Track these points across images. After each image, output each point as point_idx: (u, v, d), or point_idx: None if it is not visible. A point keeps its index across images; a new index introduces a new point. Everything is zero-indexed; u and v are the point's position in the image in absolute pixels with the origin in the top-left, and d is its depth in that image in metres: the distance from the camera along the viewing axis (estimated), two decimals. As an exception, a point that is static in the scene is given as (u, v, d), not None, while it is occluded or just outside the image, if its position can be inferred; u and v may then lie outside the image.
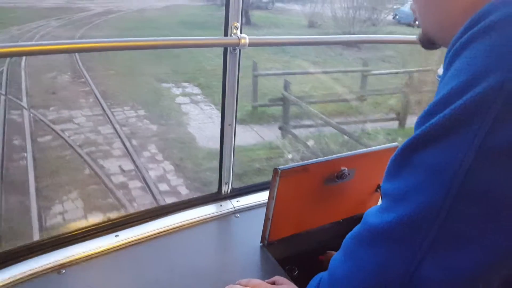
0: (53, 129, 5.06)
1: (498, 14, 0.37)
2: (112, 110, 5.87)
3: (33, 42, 0.80)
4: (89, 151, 4.57)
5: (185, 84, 7.49)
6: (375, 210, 0.46)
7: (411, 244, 0.39)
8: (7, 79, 6.87)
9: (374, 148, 0.98)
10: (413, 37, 0.56)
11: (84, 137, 4.95)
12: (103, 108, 5.91)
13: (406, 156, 0.41)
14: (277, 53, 8.85)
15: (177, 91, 7.13)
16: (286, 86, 5.85)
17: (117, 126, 5.30)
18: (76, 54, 7.56)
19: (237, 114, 1.03)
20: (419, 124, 0.41)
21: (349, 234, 0.49)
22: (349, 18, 10.57)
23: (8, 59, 7.49)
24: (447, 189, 0.36)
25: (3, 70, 7.26)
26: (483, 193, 0.35)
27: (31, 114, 5.50)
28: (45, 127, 5.14)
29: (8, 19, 10.77)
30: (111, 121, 5.46)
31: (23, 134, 4.92)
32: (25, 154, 4.37)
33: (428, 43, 0.52)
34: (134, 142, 4.95)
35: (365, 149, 0.98)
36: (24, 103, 5.93)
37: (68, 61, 7.97)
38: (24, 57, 7.55)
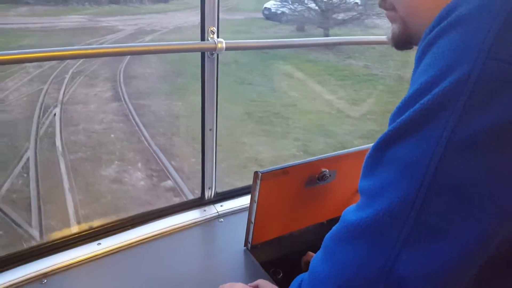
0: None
1: (463, 9, 0.38)
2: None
3: (25, 50, 0.79)
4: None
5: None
6: (353, 208, 0.46)
7: (387, 238, 0.39)
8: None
9: (354, 148, 0.99)
10: (384, 38, 0.56)
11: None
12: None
13: (379, 153, 0.42)
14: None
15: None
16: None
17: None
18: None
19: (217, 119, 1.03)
20: (391, 120, 0.41)
21: (329, 233, 0.49)
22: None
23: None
24: (419, 183, 0.37)
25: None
26: (455, 185, 0.36)
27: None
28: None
29: (18, 48, 9.31)
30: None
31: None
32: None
33: (406, 41, 0.52)
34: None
35: (345, 150, 0.98)
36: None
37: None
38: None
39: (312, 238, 1.03)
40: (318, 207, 1.02)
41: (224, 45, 0.87)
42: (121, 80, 6.91)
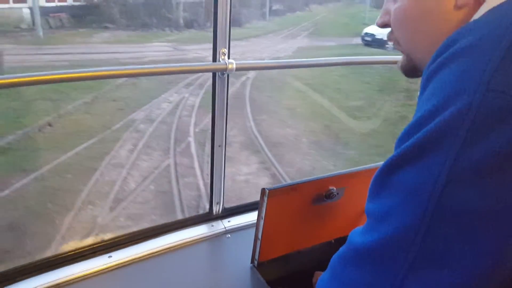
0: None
1: (464, 41, 0.40)
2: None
3: (21, 74, 0.81)
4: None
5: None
6: (359, 230, 0.47)
7: (393, 263, 0.40)
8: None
9: (363, 167, 0.99)
10: (394, 59, 0.58)
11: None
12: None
13: (385, 177, 0.43)
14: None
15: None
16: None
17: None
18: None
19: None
20: (397, 145, 0.43)
21: (336, 254, 0.50)
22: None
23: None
24: (423, 210, 0.38)
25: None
26: (458, 212, 0.36)
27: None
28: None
29: (77, 93, 6.84)
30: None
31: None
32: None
33: (413, 70, 0.55)
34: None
35: (354, 168, 0.99)
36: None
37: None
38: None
39: (320, 257, 1.02)
40: (326, 225, 1.02)
41: (234, 65, 0.90)
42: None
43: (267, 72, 8.80)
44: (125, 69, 0.92)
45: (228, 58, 0.92)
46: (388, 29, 0.55)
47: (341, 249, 0.49)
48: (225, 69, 0.91)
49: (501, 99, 0.35)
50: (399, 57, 0.56)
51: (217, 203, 1.16)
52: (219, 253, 1.08)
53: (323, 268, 0.54)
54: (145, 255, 1.03)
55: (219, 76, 0.95)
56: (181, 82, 7.93)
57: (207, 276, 0.98)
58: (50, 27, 11.86)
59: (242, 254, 1.01)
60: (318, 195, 0.94)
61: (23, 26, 11.29)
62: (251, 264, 0.99)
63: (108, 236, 1.06)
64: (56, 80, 0.81)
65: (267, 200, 0.87)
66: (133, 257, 1.01)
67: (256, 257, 0.96)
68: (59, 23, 12.11)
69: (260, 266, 0.98)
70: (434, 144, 0.38)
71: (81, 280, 0.94)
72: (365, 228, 0.45)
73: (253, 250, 0.96)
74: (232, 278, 0.96)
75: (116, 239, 1.05)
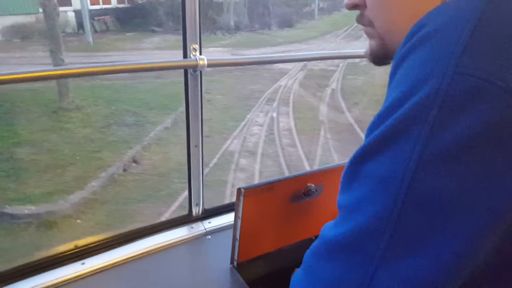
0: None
1: (431, 25, 0.39)
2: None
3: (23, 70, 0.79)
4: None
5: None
6: (331, 224, 0.46)
7: (365, 254, 0.39)
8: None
9: (340, 163, 0.98)
10: (362, 52, 0.56)
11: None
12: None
13: (355, 168, 0.42)
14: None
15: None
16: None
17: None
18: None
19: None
20: (367, 135, 0.42)
21: (308, 249, 0.49)
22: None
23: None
24: (394, 198, 0.37)
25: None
26: (429, 198, 0.36)
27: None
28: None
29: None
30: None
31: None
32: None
33: (384, 57, 0.53)
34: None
35: (331, 165, 0.97)
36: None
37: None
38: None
39: (301, 255, 0.99)
40: (306, 222, 1.00)
41: (206, 62, 0.87)
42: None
43: (352, 81, 7.94)
44: (96, 67, 0.88)
45: (200, 54, 0.89)
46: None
47: (313, 244, 0.48)
48: (197, 66, 0.88)
49: (469, 81, 0.34)
50: (360, 51, 0.53)
51: (196, 205, 1.13)
52: (199, 255, 1.05)
53: None
54: (121, 261, 0.99)
55: (191, 74, 0.92)
56: (260, 97, 6.88)
57: (186, 280, 0.95)
58: (95, 31, 11.05)
59: (223, 255, 0.99)
60: (296, 192, 0.92)
61: (68, 30, 10.66)
62: (231, 265, 0.97)
63: (82, 242, 1.02)
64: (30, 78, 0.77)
65: (244, 199, 0.85)
66: (108, 263, 0.98)
67: (235, 257, 0.94)
68: (104, 26, 11.37)
69: (240, 266, 0.96)
70: (402, 131, 0.37)
71: None
72: (337, 221, 0.44)
73: (232, 251, 0.94)
74: (212, 280, 0.94)
75: (89, 245, 1.01)
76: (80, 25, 10.73)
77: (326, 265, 0.43)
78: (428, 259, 0.36)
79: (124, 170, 4.30)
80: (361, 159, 0.41)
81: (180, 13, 0.84)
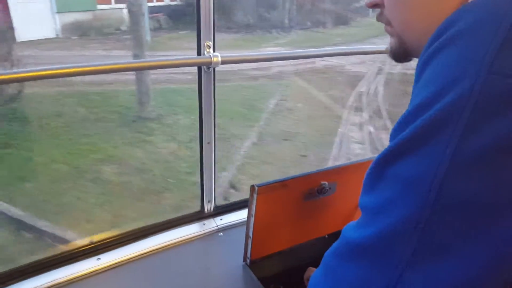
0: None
1: (462, 23, 0.37)
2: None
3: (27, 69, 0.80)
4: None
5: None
6: (353, 224, 0.45)
7: (391, 257, 0.38)
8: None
9: (354, 161, 0.97)
10: (383, 48, 0.55)
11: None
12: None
13: (381, 169, 0.41)
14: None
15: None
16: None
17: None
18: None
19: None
20: (392, 136, 0.41)
21: (328, 250, 0.49)
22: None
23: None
24: (423, 201, 0.36)
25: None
26: (459, 203, 0.35)
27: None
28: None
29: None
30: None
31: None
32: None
33: (404, 54, 0.52)
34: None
35: (345, 163, 0.97)
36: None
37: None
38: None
39: (314, 253, 1.00)
40: (319, 220, 1.00)
41: (219, 59, 0.87)
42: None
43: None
44: (109, 64, 0.88)
45: (214, 51, 0.89)
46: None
47: (334, 244, 0.47)
48: (210, 63, 0.88)
49: (505, 82, 0.33)
50: (381, 47, 0.53)
51: (208, 201, 1.13)
52: (211, 252, 1.06)
53: (317, 264, 0.52)
54: (135, 256, 1.00)
55: (204, 71, 0.92)
56: (344, 105, 6.06)
57: (199, 276, 0.96)
58: (149, 29, 10.76)
59: (235, 252, 0.99)
60: (310, 190, 0.92)
61: (123, 28, 10.14)
62: (243, 263, 0.97)
63: (97, 238, 1.03)
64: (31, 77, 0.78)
65: (257, 197, 0.85)
66: (123, 258, 0.99)
67: (248, 255, 0.94)
68: (157, 24, 10.88)
69: (253, 264, 0.96)
70: (434, 132, 0.36)
71: (69, 283, 0.91)
72: (360, 222, 0.43)
73: (244, 248, 0.94)
74: (224, 277, 0.94)
75: (105, 241, 1.03)
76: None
77: (349, 266, 0.43)
78: (457, 263, 0.35)
79: (225, 198, 3.72)
80: (388, 160, 0.40)
81: (195, 12, 0.84)
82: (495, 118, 0.33)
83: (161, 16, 11.02)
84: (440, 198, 0.35)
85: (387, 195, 0.39)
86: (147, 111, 5.28)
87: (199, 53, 0.89)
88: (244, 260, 0.96)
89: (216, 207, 1.15)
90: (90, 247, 1.02)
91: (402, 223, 0.37)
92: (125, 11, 10.32)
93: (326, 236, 1.04)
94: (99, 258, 0.99)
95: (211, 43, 0.88)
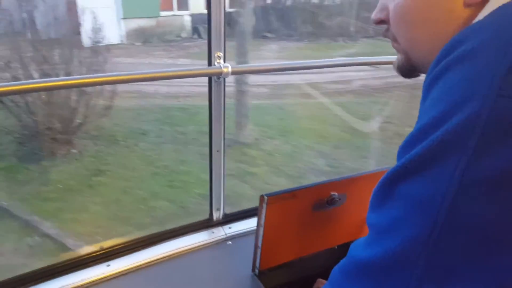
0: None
1: (470, 43, 0.37)
2: None
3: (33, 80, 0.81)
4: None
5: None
6: (360, 242, 0.45)
7: (398, 278, 0.38)
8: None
9: (365, 172, 0.96)
10: (393, 58, 0.55)
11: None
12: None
13: (388, 187, 0.41)
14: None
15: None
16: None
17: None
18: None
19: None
20: (400, 154, 0.40)
21: (336, 266, 0.48)
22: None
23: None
24: (431, 222, 0.36)
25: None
26: (469, 225, 0.34)
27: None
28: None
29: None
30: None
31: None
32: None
33: (411, 71, 0.52)
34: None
35: (355, 173, 0.96)
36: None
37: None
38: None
39: (323, 264, 0.99)
40: (328, 231, 0.99)
41: (230, 69, 0.88)
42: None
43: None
44: (124, 75, 0.90)
45: (224, 61, 0.89)
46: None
47: (342, 261, 0.47)
48: (221, 73, 0.88)
49: None
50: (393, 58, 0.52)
51: (217, 209, 1.13)
52: (219, 261, 1.06)
53: (326, 275, 0.52)
54: (144, 264, 1.01)
55: (215, 81, 0.93)
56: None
57: (207, 285, 0.96)
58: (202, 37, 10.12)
59: (243, 262, 0.99)
60: (319, 201, 0.91)
61: (183, 35, 10.10)
62: (252, 273, 0.96)
63: (107, 244, 1.04)
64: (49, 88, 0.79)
65: (266, 207, 0.84)
66: (132, 265, 1.00)
67: (257, 265, 0.94)
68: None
69: (261, 274, 0.95)
70: (441, 154, 0.36)
71: None
72: (367, 240, 0.43)
73: (253, 258, 0.94)
74: (233, 287, 0.94)
75: (114, 247, 1.04)
76: (195, 29, 10.28)
77: (356, 286, 0.43)
78: (465, 286, 0.35)
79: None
80: (395, 179, 0.40)
81: (207, 24, 0.85)
82: (505, 142, 0.33)
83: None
84: (449, 220, 0.35)
85: (394, 214, 0.39)
86: (243, 135, 4.60)
87: (209, 64, 0.90)
88: (253, 270, 0.96)
89: (225, 215, 1.15)
90: (100, 253, 1.03)
91: (410, 243, 0.37)
92: (186, 17, 10.31)
93: (336, 247, 1.03)
94: (108, 265, 1.00)
95: (221, 54, 0.88)
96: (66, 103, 4.10)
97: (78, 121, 4.22)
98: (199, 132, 4.71)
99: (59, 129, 4.05)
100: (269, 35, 10.03)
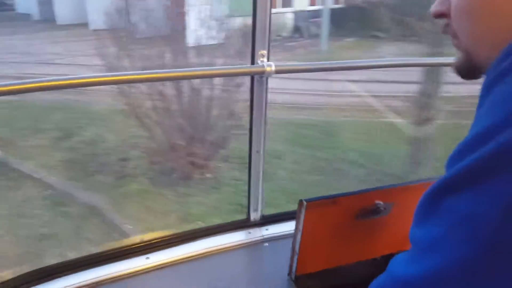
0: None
1: None
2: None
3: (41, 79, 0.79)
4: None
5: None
6: (402, 258, 0.43)
7: None
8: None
9: (413, 181, 0.89)
10: (450, 60, 0.49)
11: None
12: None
13: (434, 201, 0.38)
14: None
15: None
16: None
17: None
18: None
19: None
20: (450, 164, 0.37)
21: (374, 281, 0.46)
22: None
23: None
24: (478, 241, 0.33)
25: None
26: None
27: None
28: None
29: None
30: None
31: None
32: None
33: (472, 71, 0.46)
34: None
35: (403, 182, 0.89)
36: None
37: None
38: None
39: (363, 274, 0.94)
40: (370, 242, 0.94)
41: (273, 68, 0.85)
42: None
43: None
44: (160, 73, 0.90)
45: (268, 60, 0.87)
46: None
47: (380, 277, 0.45)
48: (264, 72, 0.86)
49: None
50: (449, 59, 0.47)
51: (254, 210, 1.12)
52: (255, 262, 1.05)
53: (365, 287, 0.49)
54: (182, 259, 1.02)
55: (257, 80, 0.91)
56: None
57: (242, 284, 0.95)
58: (309, 35, 9.75)
59: (280, 265, 0.97)
60: (363, 209, 0.86)
61: (284, 34, 9.46)
62: (288, 277, 0.94)
63: (146, 237, 1.07)
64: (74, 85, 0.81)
65: (305, 212, 0.82)
66: (170, 259, 1.02)
67: (294, 270, 0.91)
68: (318, 30, 9.86)
69: (298, 279, 0.93)
70: (494, 168, 0.33)
71: (118, 280, 0.95)
72: (409, 256, 0.40)
73: (290, 263, 0.92)
74: None
75: (153, 241, 1.06)
76: (297, 28, 9.58)
77: None
78: None
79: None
80: (442, 192, 0.37)
81: (251, 20, 0.82)
82: None
83: (320, 21, 9.78)
84: (498, 240, 0.32)
85: (437, 231, 0.37)
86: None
87: (252, 62, 0.88)
88: (289, 274, 0.94)
89: (262, 217, 1.14)
90: (139, 246, 1.06)
91: (453, 264, 0.34)
92: (288, 15, 9.61)
93: (378, 258, 0.98)
94: (148, 257, 1.03)
95: (265, 52, 0.86)
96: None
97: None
98: (343, 160, 3.52)
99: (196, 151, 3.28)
100: (380, 34, 8.30)
